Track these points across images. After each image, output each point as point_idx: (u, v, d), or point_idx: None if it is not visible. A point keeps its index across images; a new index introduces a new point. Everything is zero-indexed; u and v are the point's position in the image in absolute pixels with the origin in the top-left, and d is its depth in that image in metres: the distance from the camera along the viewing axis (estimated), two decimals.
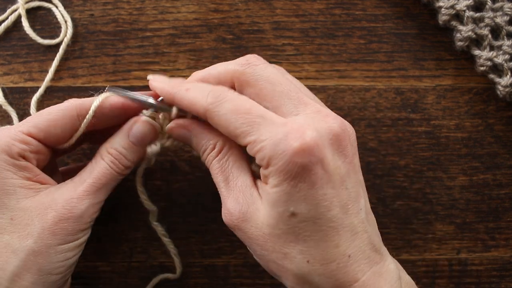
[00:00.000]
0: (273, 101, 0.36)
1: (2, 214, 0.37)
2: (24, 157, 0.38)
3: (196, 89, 0.38)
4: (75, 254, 0.39)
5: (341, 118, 0.37)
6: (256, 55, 0.39)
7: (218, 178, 0.38)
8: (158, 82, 0.40)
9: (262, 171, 0.36)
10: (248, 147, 0.36)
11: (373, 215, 0.39)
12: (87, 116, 0.40)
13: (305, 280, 0.35)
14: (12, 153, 0.38)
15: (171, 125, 0.40)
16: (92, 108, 0.40)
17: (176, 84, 0.39)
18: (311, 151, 0.34)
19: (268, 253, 0.36)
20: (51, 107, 0.40)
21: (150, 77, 0.41)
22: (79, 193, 0.38)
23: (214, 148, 0.38)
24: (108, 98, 0.40)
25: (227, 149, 0.38)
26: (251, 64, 0.37)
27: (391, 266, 0.37)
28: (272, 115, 0.35)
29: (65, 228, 0.37)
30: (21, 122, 0.40)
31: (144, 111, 0.41)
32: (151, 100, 0.40)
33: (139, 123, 0.40)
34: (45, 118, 0.39)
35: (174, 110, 0.40)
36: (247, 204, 0.36)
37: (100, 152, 0.40)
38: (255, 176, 0.38)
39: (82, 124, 0.40)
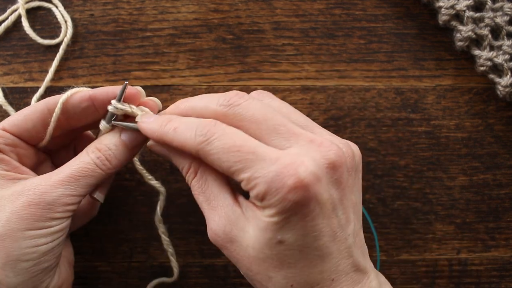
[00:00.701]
0: (262, 139, 0.35)
1: None
2: (0, 150, 0.39)
3: (183, 126, 0.37)
4: (47, 242, 0.38)
5: (338, 141, 0.37)
6: (237, 92, 0.37)
7: (199, 199, 0.38)
8: (146, 124, 0.39)
9: (255, 201, 0.35)
10: (242, 183, 0.35)
11: (362, 234, 0.39)
12: (56, 110, 0.40)
13: None
14: None
15: (150, 143, 0.40)
16: (60, 101, 0.40)
17: (164, 122, 0.38)
18: (305, 188, 0.33)
19: (253, 274, 0.36)
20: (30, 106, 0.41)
21: (138, 118, 0.40)
22: (53, 181, 0.38)
23: (189, 169, 0.38)
24: (76, 92, 0.41)
25: (203, 169, 0.38)
26: (232, 105, 0.36)
27: (372, 283, 0.37)
28: (265, 149, 0.35)
29: (34, 214, 0.37)
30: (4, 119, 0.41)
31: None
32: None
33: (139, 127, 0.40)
34: (19, 114, 0.40)
35: (139, 116, 0.40)
36: (230, 225, 0.36)
37: (87, 148, 0.40)
38: (237, 191, 0.38)
39: (52, 118, 0.40)
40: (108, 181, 0.43)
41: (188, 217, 0.49)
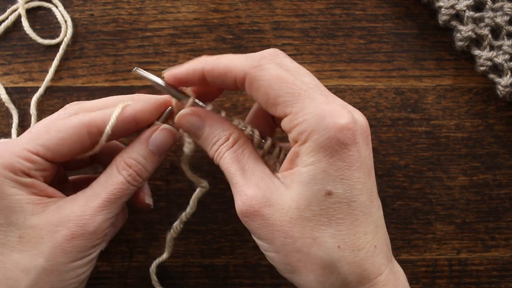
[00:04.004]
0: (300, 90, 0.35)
1: (11, 232, 0.36)
2: (29, 175, 0.36)
3: (229, 56, 0.36)
4: (87, 270, 0.38)
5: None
6: (273, 50, 0.36)
7: (233, 168, 0.36)
8: (176, 69, 0.37)
9: (295, 150, 0.35)
10: (286, 118, 0.34)
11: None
12: (102, 138, 0.38)
13: (332, 269, 0.34)
14: (15, 171, 0.36)
15: (183, 112, 0.38)
16: (108, 129, 0.37)
17: (198, 60, 0.37)
18: (353, 131, 0.33)
19: (293, 240, 0.34)
20: (60, 122, 0.37)
21: (166, 73, 0.38)
22: (92, 209, 0.36)
23: (228, 139, 0.37)
24: (120, 113, 0.38)
25: (242, 142, 0.37)
26: (264, 65, 0.35)
27: (399, 268, 0.37)
28: (316, 92, 0.34)
29: (77, 246, 0.36)
30: (27, 136, 0.38)
31: (157, 122, 0.39)
32: (162, 83, 0.38)
33: (160, 131, 0.39)
34: (53, 137, 0.37)
35: (192, 99, 0.38)
36: (270, 190, 0.35)
37: (116, 163, 0.38)
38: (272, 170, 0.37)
39: (97, 146, 0.38)
40: (148, 186, 0.43)
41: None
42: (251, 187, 0.35)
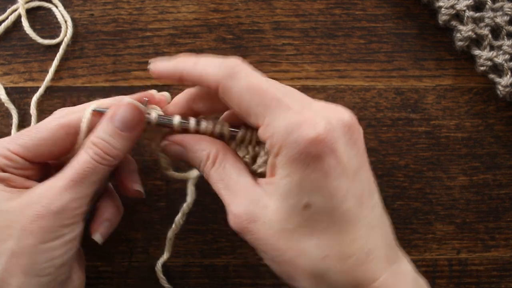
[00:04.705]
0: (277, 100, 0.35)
1: None
2: (6, 171, 0.38)
3: (205, 62, 0.36)
4: (63, 254, 0.36)
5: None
6: (238, 60, 0.36)
7: (218, 186, 0.37)
8: (159, 64, 0.38)
9: (271, 161, 0.35)
10: (260, 130, 0.34)
11: (387, 215, 0.38)
12: (79, 137, 0.38)
13: (322, 279, 0.34)
14: None
15: (164, 143, 0.39)
16: (82, 126, 0.38)
17: (180, 60, 0.37)
18: (325, 141, 0.33)
19: (281, 253, 0.34)
20: (41, 123, 0.39)
21: (151, 65, 0.38)
22: (57, 189, 0.36)
23: (208, 158, 0.37)
24: (91, 113, 0.38)
25: (221, 156, 0.37)
26: (236, 74, 0.35)
27: (408, 266, 0.36)
28: (288, 100, 0.34)
29: (44, 226, 0.35)
30: (11, 136, 0.39)
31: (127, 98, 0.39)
32: (152, 114, 0.39)
33: (124, 107, 0.38)
34: (33, 138, 0.38)
35: (177, 119, 0.39)
36: (252, 204, 0.35)
37: (84, 144, 0.38)
38: (256, 176, 0.38)
39: (76, 145, 0.39)
40: (134, 169, 0.43)
41: (188, 217, 0.49)
42: (236, 204, 0.36)
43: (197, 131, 0.39)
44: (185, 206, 0.45)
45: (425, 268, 0.49)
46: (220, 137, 0.39)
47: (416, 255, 0.49)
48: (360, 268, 0.34)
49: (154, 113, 0.39)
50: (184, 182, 0.49)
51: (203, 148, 0.38)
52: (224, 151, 0.38)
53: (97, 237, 0.41)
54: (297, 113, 0.33)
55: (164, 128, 0.40)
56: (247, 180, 0.36)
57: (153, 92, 0.42)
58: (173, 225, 0.45)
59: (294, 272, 0.34)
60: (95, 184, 0.38)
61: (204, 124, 0.39)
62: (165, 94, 0.43)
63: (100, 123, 0.38)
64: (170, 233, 0.46)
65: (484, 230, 0.49)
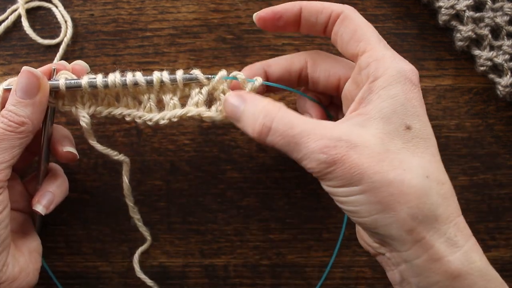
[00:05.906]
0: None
1: None
2: None
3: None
4: None
5: None
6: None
7: (292, 127, 0.37)
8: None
9: (369, 85, 0.37)
10: (366, 54, 0.38)
11: None
12: None
13: (425, 199, 0.34)
14: None
15: (226, 95, 0.40)
16: None
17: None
18: (417, 75, 0.38)
19: (384, 175, 0.34)
20: None
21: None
22: None
23: (276, 106, 0.38)
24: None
25: (281, 105, 0.39)
26: (356, 12, 0.40)
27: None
28: (384, 43, 0.39)
29: None
30: None
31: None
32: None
33: (19, 75, 0.40)
34: None
35: (85, 79, 0.41)
36: (347, 133, 0.35)
37: None
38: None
39: None
40: (66, 135, 0.44)
41: (188, 217, 0.49)
42: (327, 135, 0.36)
43: (106, 86, 0.40)
44: (127, 196, 0.46)
45: None
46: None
47: None
48: (451, 198, 0.36)
49: (62, 79, 0.41)
50: (184, 182, 0.49)
51: (259, 103, 0.39)
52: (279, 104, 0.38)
53: (39, 208, 0.42)
54: (396, 54, 0.39)
55: (87, 93, 0.41)
56: (331, 122, 0.38)
57: (64, 62, 0.43)
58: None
59: (395, 196, 0.34)
60: (10, 150, 0.39)
61: (112, 76, 0.40)
62: (81, 63, 0.44)
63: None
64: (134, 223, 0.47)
65: (484, 230, 0.49)
